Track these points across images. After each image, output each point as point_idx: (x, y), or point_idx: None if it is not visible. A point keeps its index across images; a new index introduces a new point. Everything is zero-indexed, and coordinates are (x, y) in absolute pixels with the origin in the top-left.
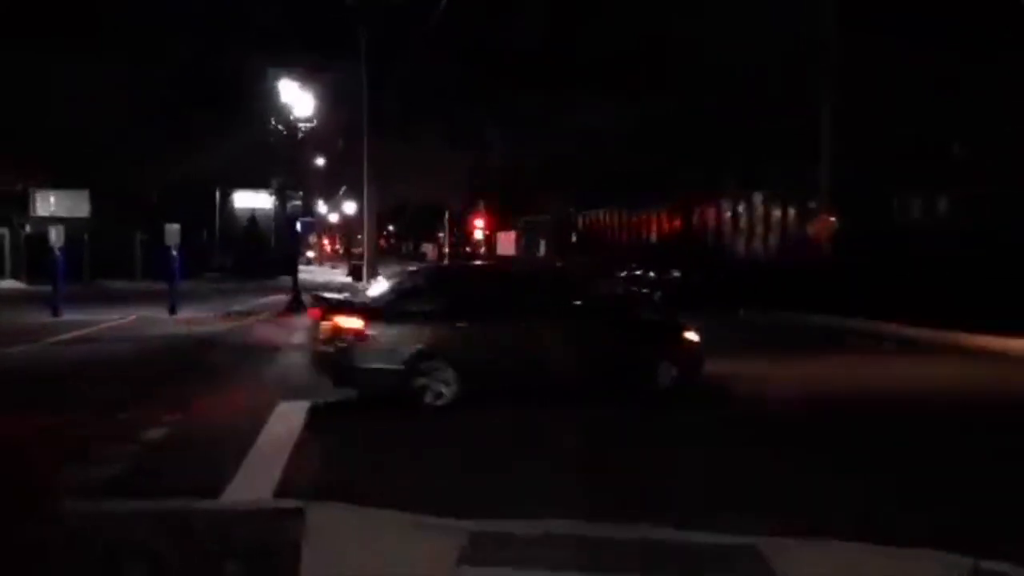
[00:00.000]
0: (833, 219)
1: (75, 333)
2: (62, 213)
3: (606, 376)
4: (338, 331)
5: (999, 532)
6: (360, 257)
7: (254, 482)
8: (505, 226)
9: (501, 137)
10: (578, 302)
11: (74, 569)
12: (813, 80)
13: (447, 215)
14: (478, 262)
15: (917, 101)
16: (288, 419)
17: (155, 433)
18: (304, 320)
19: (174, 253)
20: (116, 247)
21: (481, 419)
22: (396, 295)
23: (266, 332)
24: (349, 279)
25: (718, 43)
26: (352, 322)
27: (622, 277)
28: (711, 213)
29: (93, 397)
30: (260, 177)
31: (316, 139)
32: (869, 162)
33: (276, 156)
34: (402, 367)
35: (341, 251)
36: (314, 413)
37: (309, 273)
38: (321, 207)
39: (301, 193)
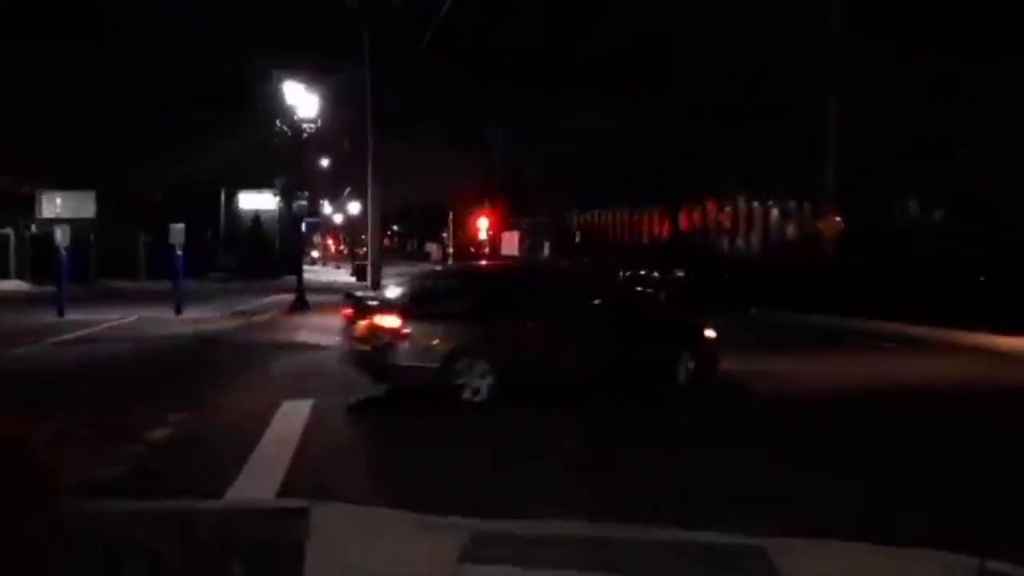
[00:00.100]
0: (839, 219)
1: (80, 333)
2: (67, 214)
3: (631, 372)
4: (376, 329)
5: (1000, 532)
6: (365, 257)
7: (257, 482)
8: (507, 226)
9: (501, 137)
10: (598, 301)
11: (74, 569)
12: (814, 80)
13: (451, 215)
14: (489, 262)
15: (918, 101)
16: (292, 419)
17: (159, 433)
18: (308, 319)
19: (179, 253)
20: (120, 247)
21: (483, 419)
22: (428, 293)
23: (270, 331)
24: (353, 279)
25: (718, 43)
26: (390, 320)
27: (626, 277)
28: (712, 213)
29: (97, 397)
30: (264, 178)
31: (320, 140)
32: (870, 162)
33: (280, 157)
34: (439, 364)
35: (345, 251)
36: (317, 412)
37: (313, 273)
38: (326, 208)
39: (306, 193)
